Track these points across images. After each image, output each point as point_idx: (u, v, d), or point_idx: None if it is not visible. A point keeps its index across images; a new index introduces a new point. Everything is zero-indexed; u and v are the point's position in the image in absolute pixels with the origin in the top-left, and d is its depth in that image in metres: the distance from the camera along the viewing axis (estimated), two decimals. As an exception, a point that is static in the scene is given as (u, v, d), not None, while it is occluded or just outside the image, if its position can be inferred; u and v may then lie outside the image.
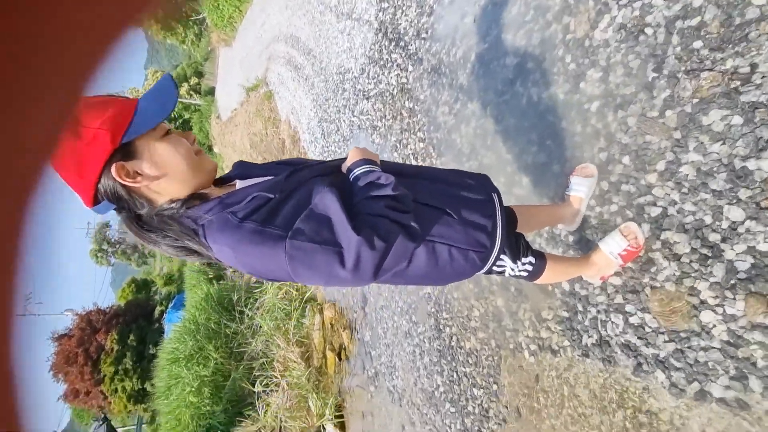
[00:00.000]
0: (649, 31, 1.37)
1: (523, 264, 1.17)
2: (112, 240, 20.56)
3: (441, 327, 2.34)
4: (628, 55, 1.42)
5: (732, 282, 1.10)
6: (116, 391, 11.36)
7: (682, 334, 1.20)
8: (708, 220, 1.16)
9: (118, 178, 0.73)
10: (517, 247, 1.16)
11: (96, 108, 0.70)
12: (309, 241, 0.76)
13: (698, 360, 1.15)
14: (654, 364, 1.26)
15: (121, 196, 0.75)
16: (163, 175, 0.76)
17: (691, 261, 1.19)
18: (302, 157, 1.04)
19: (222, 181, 0.90)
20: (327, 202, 0.79)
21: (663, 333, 1.24)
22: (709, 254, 1.15)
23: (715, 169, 1.16)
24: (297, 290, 4.82)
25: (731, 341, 1.09)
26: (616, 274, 1.40)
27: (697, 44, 1.23)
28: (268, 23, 8.38)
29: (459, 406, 2.12)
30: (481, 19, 2.23)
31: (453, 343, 2.23)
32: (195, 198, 0.81)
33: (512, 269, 1.16)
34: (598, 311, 1.46)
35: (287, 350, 4.35)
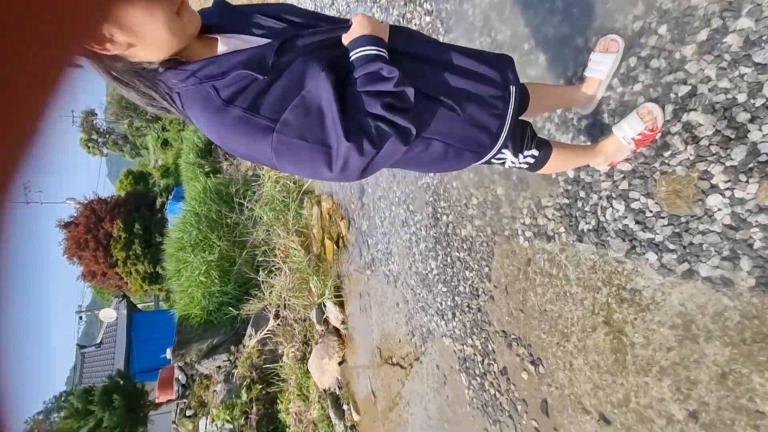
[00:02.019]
0: None
1: (525, 157, 1.13)
2: (101, 129, 19.85)
3: (438, 215, 2.38)
4: None
5: (750, 165, 1.05)
6: (130, 273, 12.22)
7: (683, 219, 1.19)
8: (741, 98, 1.06)
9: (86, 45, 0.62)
10: (521, 139, 1.10)
11: None
12: (296, 137, 0.71)
13: (693, 243, 1.17)
14: (647, 247, 1.29)
15: (89, 56, 0.66)
16: (138, 42, 0.65)
17: (710, 144, 1.13)
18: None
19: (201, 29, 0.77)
20: (321, 92, 0.71)
21: (663, 217, 1.24)
22: (733, 136, 1.08)
23: (765, 38, 1.02)
24: (294, 183, 4.82)
25: (733, 224, 1.08)
26: (626, 160, 1.34)
27: None
28: None
29: (451, 286, 2.27)
30: None
31: (449, 231, 2.29)
32: (173, 60, 0.71)
33: (513, 162, 1.13)
34: (600, 198, 1.44)
35: (287, 239, 4.53)
